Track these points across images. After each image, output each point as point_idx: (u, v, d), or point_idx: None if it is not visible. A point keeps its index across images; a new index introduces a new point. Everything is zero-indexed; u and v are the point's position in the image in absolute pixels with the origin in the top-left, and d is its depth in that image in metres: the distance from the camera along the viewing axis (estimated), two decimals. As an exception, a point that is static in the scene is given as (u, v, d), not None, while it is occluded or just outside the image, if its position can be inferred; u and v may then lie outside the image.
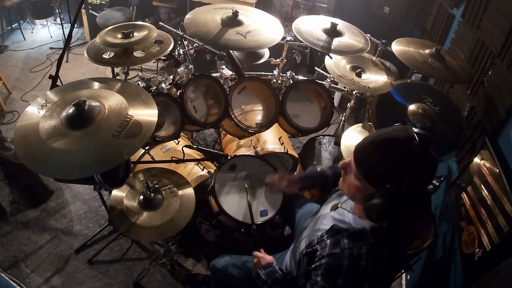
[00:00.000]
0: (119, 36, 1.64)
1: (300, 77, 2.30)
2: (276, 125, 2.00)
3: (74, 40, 4.39)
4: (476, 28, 2.00)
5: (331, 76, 1.98)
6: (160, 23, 2.51)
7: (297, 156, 2.23)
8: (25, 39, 4.32)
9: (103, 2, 4.03)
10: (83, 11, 4.05)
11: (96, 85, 1.32)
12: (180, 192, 1.72)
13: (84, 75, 3.83)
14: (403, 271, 1.92)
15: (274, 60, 2.36)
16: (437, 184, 1.64)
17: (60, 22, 4.25)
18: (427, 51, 1.81)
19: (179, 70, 2.23)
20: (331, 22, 1.84)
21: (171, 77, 2.21)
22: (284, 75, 2.32)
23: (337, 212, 1.15)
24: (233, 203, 1.74)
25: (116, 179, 1.35)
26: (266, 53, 2.32)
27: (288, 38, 2.35)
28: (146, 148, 2.02)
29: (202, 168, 2.08)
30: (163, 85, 2.04)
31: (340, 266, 0.97)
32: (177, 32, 2.34)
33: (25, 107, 1.21)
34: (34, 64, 3.90)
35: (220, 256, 1.61)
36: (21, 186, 2.48)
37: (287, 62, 2.43)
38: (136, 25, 1.72)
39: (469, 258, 1.50)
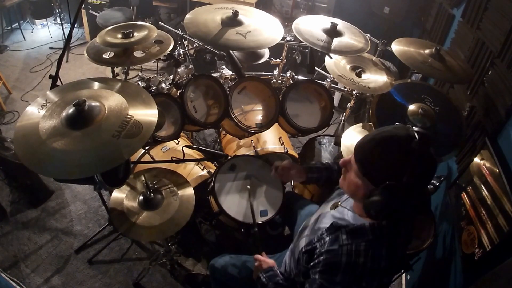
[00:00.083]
0: (119, 36, 1.64)
1: (300, 77, 2.30)
2: (276, 125, 2.00)
3: (74, 40, 4.39)
4: (476, 28, 2.00)
5: (331, 76, 1.98)
6: (160, 23, 2.51)
7: (297, 156, 2.23)
8: (25, 39, 4.32)
9: (103, 2, 4.03)
10: (83, 11, 4.05)
11: (96, 85, 1.32)
12: (180, 192, 1.72)
13: (84, 75, 3.83)
14: (403, 271, 1.92)
15: (274, 60, 2.36)
16: (437, 184, 1.64)
17: (60, 22, 4.25)
18: (427, 51, 1.81)
19: (179, 70, 2.23)
20: (331, 22, 1.84)
21: (171, 77, 2.21)
22: (284, 75, 2.32)
23: (337, 211, 1.16)
24: (233, 203, 1.74)
25: (116, 179, 1.35)
26: (266, 53, 2.32)
27: (288, 38, 2.35)
28: (146, 148, 2.02)
29: (202, 168, 2.08)
30: (163, 85, 2.04)
31: (339, 263, 0.98)
32: (177, 32, 2.34)
33: (25, 107, 1.21)
34: (34, 64, 3.91)
35: (219, 255, 1.61)
36: (21, 186, 2.48)
37: (287, 62, 2.43)
38: (136, 25, 1.72)
39: (469, 258, 1.50)
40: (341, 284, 0.98)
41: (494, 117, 1.61)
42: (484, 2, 1.93)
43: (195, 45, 2.53)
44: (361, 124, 2.01)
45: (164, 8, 4.07)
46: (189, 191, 1.74)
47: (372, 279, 0.98)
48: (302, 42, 1.77)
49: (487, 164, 1.54)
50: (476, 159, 1.64)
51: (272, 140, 2.24)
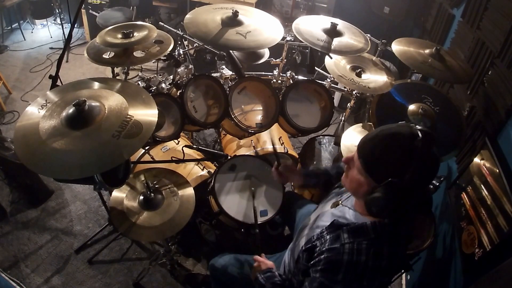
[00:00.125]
0: (119, 36, 1.64)
1: (300, 77, 2.30)
2: (276, 125, 2.00)
3: (74, 40, 4.39)
4: (476, 28, 2.00)
5: (331, 76, 1.98)
6: (160, 23, 2.51)
7: (297, 156, 2.23)
8: (25, 39, 4.32)
9: (103, 2, 4.03)
10: (83, 11, 4.05)
11: (96, 85, 1.32)
12: (180, 192, 1.72)
13: (84, 75, 3.83)
14: (403, 271, 1.92)
15: (274, 60, 2.36)
16: (437, 184, 1.64)
17: (60, 22, 4.26)
18: (427, 51, 1.81)
19: (179, 70, 2.23)
20: (331, 22, 1.84)
21: (171, 77, 2.21)
22: (284, 75, 2.32)
23: (337, 209, 1.16)
24: (233, 203, 1.74)
25: (116, 179, 1.35)
26: (266, 53, 2.32)
27: (288, 38, 2.35)
28: (146, 148, 2.02)
29: (202, 168, 2.08)
30: (163, 85, 2.04)
31: (340, 261, 0.97)
32: (177, 32, 2.34)
33: (25, 107, 1.21)
34: (34, 64, 3.91)
35: (219, 255, 1.61)
36: (21, 186, 2.48)
37: (287, 62, 2.43)
38: (136, 25, 1.72)
39: (469, 258, 1.50)
40: (342, 282, 0.98)
41: (494, 117, 1.61)
42: (484, 2, 1.93)
43: (195, 45, 2.53)
44: (361, 124, 2.01)
45: (164, 8, 4.07)
46: (189, 191, 1.74)
47: (373, 277, 0.98)
48: (302, 42, 1.77)
49: (487, 164, 1.54)
50: (476, 159, 1.64)
51: (272, 140, 2.23)
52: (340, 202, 1.18)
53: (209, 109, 1.91)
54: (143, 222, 1.59)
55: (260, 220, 1.68)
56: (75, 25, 1.63)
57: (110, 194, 1.75)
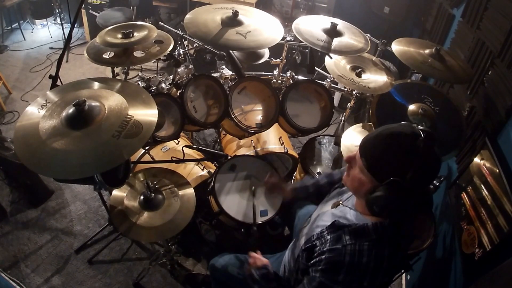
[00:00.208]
0: (119, 36, 1.64)
1: (300, 77, 2.30)
2: (276, 125, 2.00)
3: (74, 40, 4.39)
4: (476, 28, 2.00)
5: (331, 76, 1.98)
6: (160, 23, 2.51)
7: (297, 156, 2.23)
8: (25, 39, 4.32)
9: (103, 2, 4.03)
10: (83, 11, 4.05)
11: (96, 85, 1.32)
12: (180, 192, 1.72)
13: (84, 75, 3.83)
14: (403, 271, 1.92)
15: (274, 60, 2.35)
16: (437, 184, 1.64)
17: (60, 22, 4.25)
18: (427, 51, 1.81)
19: (179, 70, 2.23)
20: (331, 22, 1.84)
21: (171, 77, 2.20)
22: (284, 75, 2.32)
23: (338, 210, 1.16)
24: (233, 203, 1.74)
25: (116, 179, 1.35)
26: (266, 53, 2.32)
27: (288, 38, 2.34)
28: (146, 148, 2.02)
29: (202, 168, 2.08)
30: (163, 85, 2.04)
31: (342, 262, 0.98)
32: (177, 32, 2.34)
33: (25, 107, 1.21)
34: (34, 64, 3.90)
35: (219, 255, 1.61)
36: (21, 186, 2.48)
37: (287, 62, 2.43)
38: (136, 25, 1.72)
39: (469, 258, 1.50)
40: (343, 283, 0.98)
41: (494, 117, 1.61)
42: (484, 2, 1.93)
43: (195, 45, 2.52)
44: (361, 124, 2.01)
45: (164, 8, 4.07)
46: (190, 191, 1.74)
47: (374, 278, 0.99)
48: (302, 42, 1.77)
49: (487, 164, 1.54)
50: (476, 159, 1.64)
51: (272, 140, 2.24)
52: (340, 202, 1.18)
53: (209, 109, 1.91)
54: (143, 222, 1.59)
55: (260, 220, 1.68)
56: (75, 25, 1.63)
57: (110, 194, 1.75)
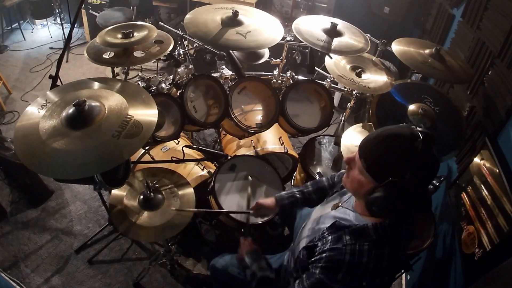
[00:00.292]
0: (119, 36, 1.64)
1: (300, 77, 2.30)
2: (276, 125, 2.00)
3: (74, 40, 4.39)
4: (476, 28, 2.00)
5: (331, 76, 1.98)
6: (160, 23, 2.51)
7: (297, 156, 2.23)
8: (25, 39, 4.32)
9: (103, 2, 4.03)
10: (83, 11, 4.05)
11: (96, 85, 1.32)
12: (180, 192, 1.72)
13: (84, 75, 3.83)
14: (403, 271, 1.92)
15: (274, 60, 2.35)
16: (437, 184, 1.64)
17: (60, 22, 4.25)
18: (427, 51, 1.81)
19: (179, 70, 2.23)
20: (331, 22, 1.84)
21: (171, 77, 2.20)
22: (284, 75, 2.32)
23: (338, 211, 1.16)
24: (233, 203, 1.74)
25: (116, 179, 1.35)
26: (266, 53, 2.32)
27: (288, 38, 2.35)
28: (146, 148, 2.02)
29: (202, 168, 2.08)
30: (163, 85, 2.04)
31: (342, 261, 0.99)
32: (177, 32, 2.34)
33: (25, 107, 1.21)
34: (34, 64, 3.90)
35: (220, 255, 1.61)
36: (21, 186, 2.48)
37: (287, 62, 2.43)
38: (136, 25, 1.72)
39: (469, 258, 1.50)
40: (341, 282, 0.99)
41: (494, 117, 1.61)
42: (484, 2, 1.93)
43: (195, 45, 2.52)
44: (361, 124, 2.01)
45: (164, 8, 4.07)
46: (189, 191, 1.74)
47: (373, 278, 0.99)
48: (302, 42, 1.77)
49: (487, 164, 1.54)
50: (476, 159, 1.64)
51: (272, 140, 2.24)
52: (340, 204, 1.18)
53: (209, 109, 1.91)
54: (143, 222, 1.59)
55: (260, 220, 1.68)
56: (75, 25, 1.64)
57: (110, 194, 1.75)
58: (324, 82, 2.14)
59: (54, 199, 2.54)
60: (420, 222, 1.70)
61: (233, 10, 1.73)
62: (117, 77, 2.03)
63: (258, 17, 1.84)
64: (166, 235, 1.62)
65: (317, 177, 2.00)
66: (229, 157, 1.88)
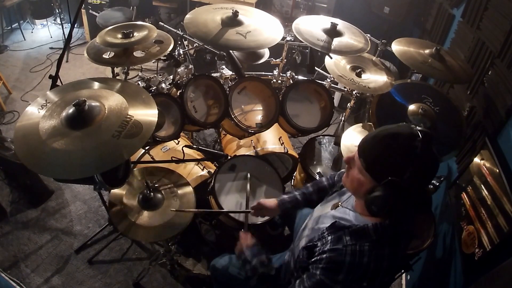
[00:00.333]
0: (119, 36, 1.64)
1: (300, 77, 2.30)
2: (276, 125, 2.00)
3: (74, 40, 4.39)
4: (476, 28, 2.00)
5: (331, 76, 1.98)
6: (160, 23, 2.51)
7: (297, 156, 2.23)
8: (25, 39, 4.32)
9: (103, 2, 4.03)
10: (83, 11, 4.05)
11: (96, 85, 1.32)
12: (180, 192, 1.72)
13: (84, 75, 3.83)
14: (403, 271, 1.92)
15: (274, 60, 2.36)
16: (437, 184, 1.64)
17: (60, 22, 4.25)
18: (427, 51, 1.81)
19: (179, 70, 2.23)
20: (331, 22, 1.84)
21: (171, 77, 2.20)
22: (284, 75, 2.32)
23: (337, 211, 1.16)
24: (233, 203, 1.74)
25: (116, 179, 1.35)
26: (266, 53, 2.32)
27: (288, 38, 2.35)
28: (146, 148, 2.02)
29: (202, 168, 2.08)
30: (163, 85, 2.04)
31: (342, 262, 0.98)
32: (177, 32, 2.34)
33: (25, 107, 1.21)
34: (34, 64, 3.90)
35: (220, 256, 1.61)
36: (21, 186, 2.48)
37: (287, 62, 2.43)
38: (136, 25, 1.72)
39: (469, 258, 1.50)
40: (342, 283, 0.98)
41: (494, 117, 1.61)
42: (484, 2, 1.93)
43: (195, 45, 2.53)
44: (361, 124, 2.01)
45: (164, 8, 4.07)
46: (189, 191, 1.74)
47: (374, 278, 0.99)
48: (302, 42, 1.77)
49: (487, 164, 1.54)
50: (476, 159, 1.64)
51: (272, 140, 2.24)
52: (340, 203, 1.18)
53: (209, 109, 1.91)
54: (142, 222, 1.59)
55: (260, 220, 1.68)
56: (75, 25, 1.64)
57: (110, 193, 1.75)
58: (324, 82, 2.15)
59: (54, 199, 2.54)
60: (420, 222, 1.70)
61: (233, 10, 1.73)
62: (117, 77, 2.03)
63: (258, 17, 1.84)
64: (166, 235, 1.62)
65: (317, 177, 2.00)
66: (229, 157, 1.88)
